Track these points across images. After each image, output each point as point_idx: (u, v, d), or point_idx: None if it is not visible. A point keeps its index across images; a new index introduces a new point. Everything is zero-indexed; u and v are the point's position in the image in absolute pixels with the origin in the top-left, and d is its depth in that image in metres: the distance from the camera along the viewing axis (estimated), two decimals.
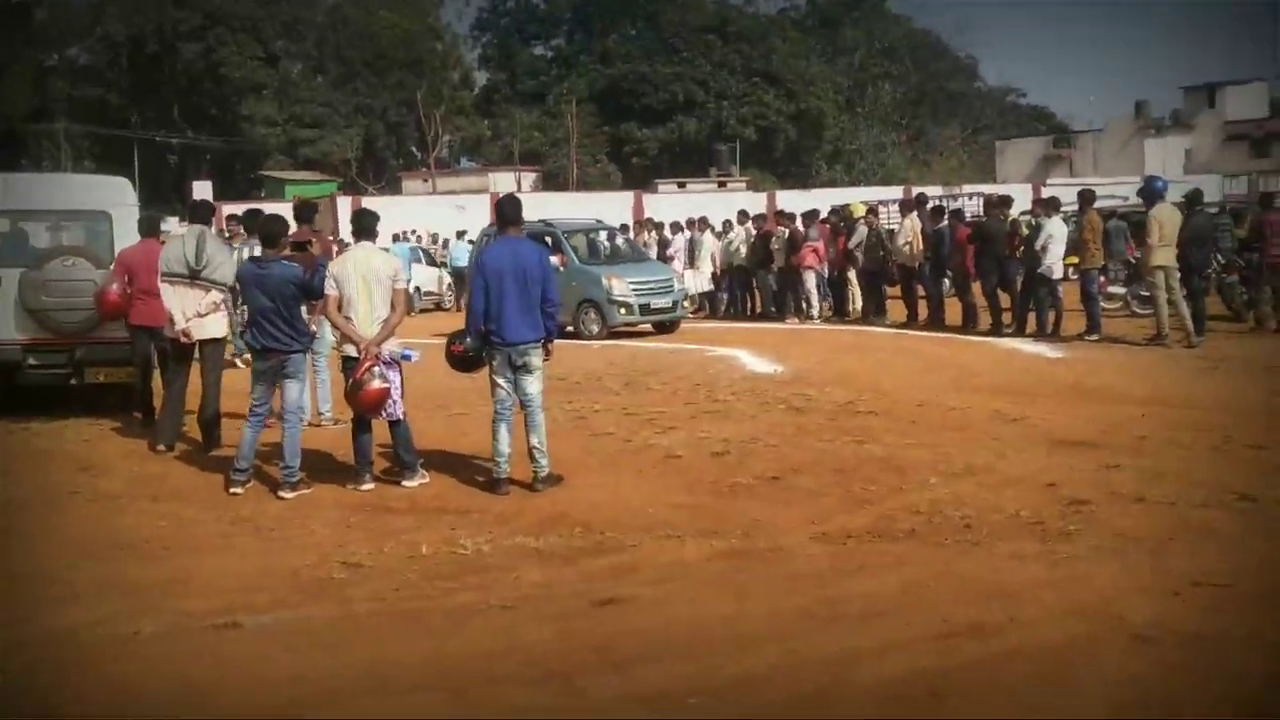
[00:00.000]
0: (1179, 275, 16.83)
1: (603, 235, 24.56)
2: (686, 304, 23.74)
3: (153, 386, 12.75)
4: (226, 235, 17.15)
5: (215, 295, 11.47)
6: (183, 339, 11.43)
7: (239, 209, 39.29)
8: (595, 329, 21.60)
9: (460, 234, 32.86)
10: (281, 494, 9.53)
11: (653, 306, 21.98)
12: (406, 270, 10.39)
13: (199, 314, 11.36)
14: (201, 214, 12.09)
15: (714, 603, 6.73)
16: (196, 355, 11.59)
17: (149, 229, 12.97)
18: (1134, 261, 20.14)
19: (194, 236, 11.51)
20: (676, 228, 27.29)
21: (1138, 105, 74.16)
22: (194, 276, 11.32)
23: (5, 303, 12.84)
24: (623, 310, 21.61)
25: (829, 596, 6.74)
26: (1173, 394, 12.97)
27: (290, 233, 10.93)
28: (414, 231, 38.14)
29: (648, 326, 22.31)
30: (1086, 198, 19.07)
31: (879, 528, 8.04)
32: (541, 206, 34.73)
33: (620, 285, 21.67)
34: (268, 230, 10.15)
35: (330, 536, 8.29)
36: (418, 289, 30.60)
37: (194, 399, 11.73)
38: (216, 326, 11.58)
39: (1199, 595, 6.48)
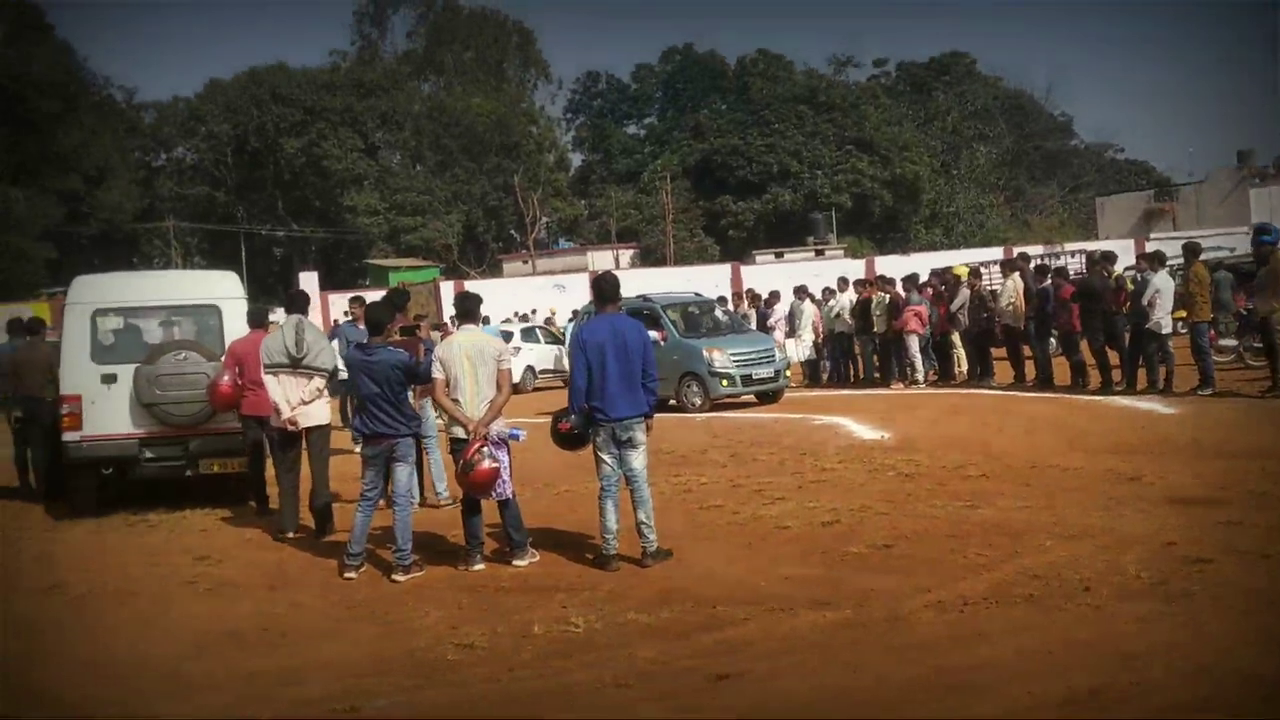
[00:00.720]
0: None
1: (702, 308, 24.60)
2: (788, 373, 23.65)
3: (265, 475, 12.97)
4: (350, 318, 17.45)
5: (318, 382, 11.71)
6: (289, 427, 11.65)
7: (344, 298, 40.20)
8: (698, 401, 21.59)
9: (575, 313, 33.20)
10: (395, 577, 9.61)
11: (755, 377, 21.93)
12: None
13: (303, 401, 11.61)
14: (299, 304, 12.30)
15: (829, 675, 6.65)
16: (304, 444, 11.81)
17: (257, 321, 13.27)
18: (1244, 313, 19.72)
19: (292, 326, 11.76)
20: (775, 297, 27.25)
21: (1240, 154, 72.94)
22: (296, 365, 11.57)
23: (121, 397, 13.18)
24: (725, 382, 21.59)
25: (946, 666, 6.63)
26: None
27: (394, 320, 11.17)
28: (533, 310, 38.68)
29: (751, 397, 22.24)
30: (1192, 250, 18.74)
31: (995, 594, 7.90)
32: (640, 282, 34.96)
33: (721, 357, 21.67)
34: (374, 317, 10.37)
35: (444, 619, 8.33)
36: (530, 367, 30.89)
37: (306, 484, 11.92)
38: (321, 413, 11.81)
39: None
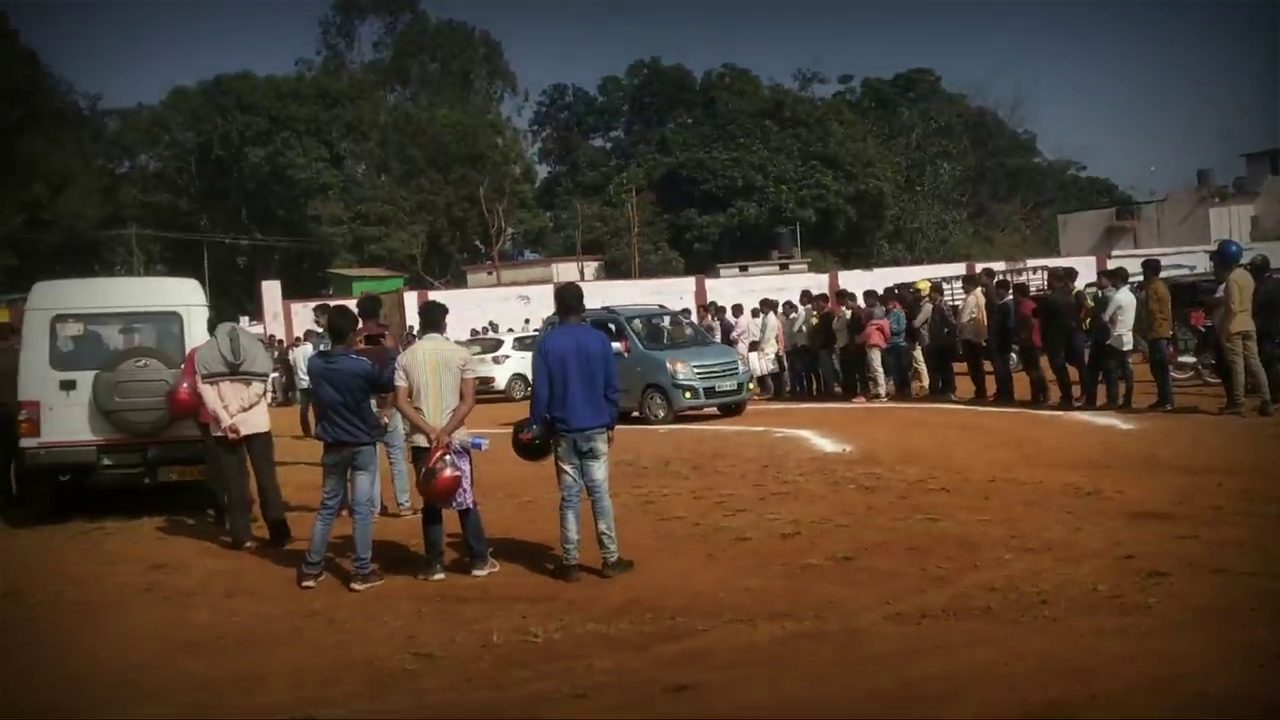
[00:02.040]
0: (1254, 341, 16.59)
1: (666, 320, 24.65)
2: (752, 386, 23.69)
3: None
4: (320, 329, 17.32)
5: (258, 387, 11.75)
6: (231, 435, 11.58)
7: (307, 306, 40.02)
8: (661, 413, 21.62)
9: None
10: (354, 586, 9.57)
11: (718, 389, 21.98)
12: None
13: (243, 408, 11.57)
14: (227, 315, 12.29)
15: (787, 686, 6.66)
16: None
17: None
18: (1203, 330, 19.91)
19: (226, 334, 11.76)
20: (739, 310, 27.31)
21: (1200, 174, 73.85)
22: (234, 371, 11.55)
23: (80, 404, 13.08)
24: (688, 394, 21.63)
25: (905, 678, 6.65)
26: (1248, 463, 12.75)
27: (357, 327, 11.14)
28: (491, 323, 38.60)
29: (714, 409, 22.28)
30: (1152, 268, 18.91)
31: (954, 606, 7.93)
32: (605, 294, 35.02)
33: (685, 369, 21.72)
34: (335, 325, 10.31)
35: (402, 628, 8.29)
36: (520, 375, 30.78)
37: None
38: (261, 420, 11.80)
39: None
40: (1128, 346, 18.27)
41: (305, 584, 9.75)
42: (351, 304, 12.99)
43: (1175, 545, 9.15)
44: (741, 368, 23.00)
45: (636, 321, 23.16)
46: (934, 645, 7.18)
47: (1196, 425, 16.16)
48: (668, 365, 21.75)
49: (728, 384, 22.16)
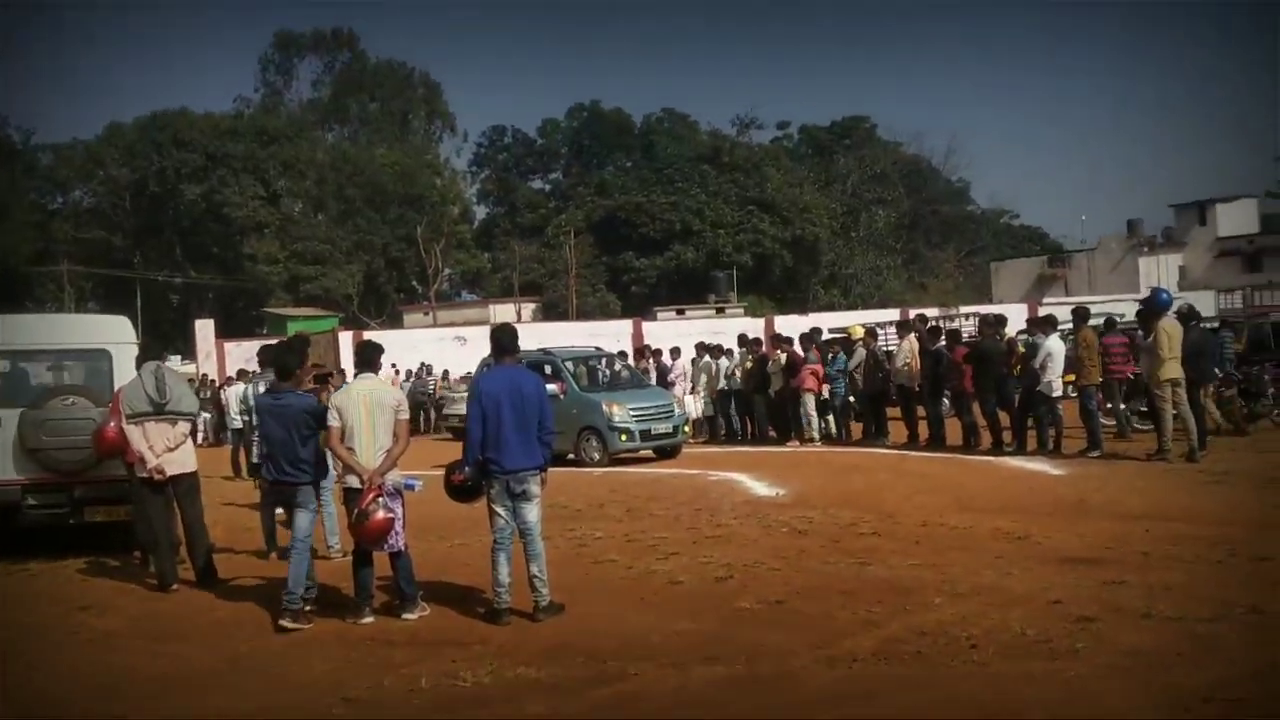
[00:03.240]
0: (1184, 388, 16.81)
1: (602, 362, 24.64)
2: (687, 429, 23.71)
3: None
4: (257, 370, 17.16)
5: (184, 427, 11.60)
6: (156, 476, 11.43)
7: (241, 345, 39.73)
8: (596, 455, 21.58)
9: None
10: (282, 622, 9.46)
11: (653, 432, 21.98)
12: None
13: (169, 448, 11.43)
14: (154, 353, 12.13)
15: None
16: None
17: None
18: (1131, 378, 20.16)
19: (151, 373, 11.62)
20: (676, 353, 27.36)
21: (1130, 224, 75.11)
22: (160, 411, 11.40)
23: (4, 443, 12.85)
24: (623, 436, 21.61)
25: None
26: (1176, 508, 12.90)
27: (305, 365, 11.17)
28: (424, 364, 38.40)
29: (649, 452, 22.26)
30: (1081, 315, 19.17)
31: (885, 650, 7.95)
32: (542, 336, 34.98)
33: (621, 411, 21.71)
34: (282, 362, 10.35)
35: (330, 672, 8.19)
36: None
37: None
38: (188, 459, 11.65)
39: (1210, 710, 6.40)
40: (1057, 393, 18.46)
41: (281, 622, 9.52)
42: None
43: (1104, 590, 9.23)
44: (677, 411, 23.03)
45: (572, 363, 23.13)
46: (865, 689, 7.19)
47: (1125, 471, 16.33)
48: (604, 407, 21.73)
49: (663, 427, 22.17)
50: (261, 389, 12.58)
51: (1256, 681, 6.87)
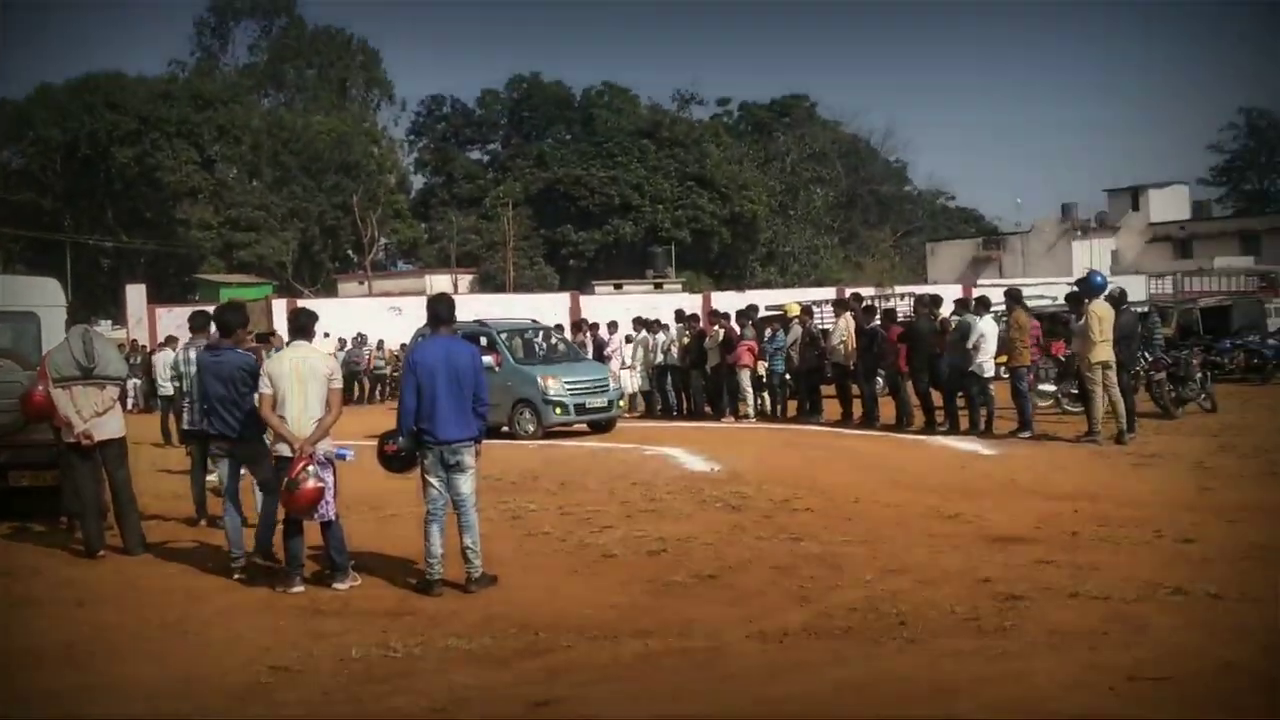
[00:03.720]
0: (1114, 371, 17.02)
1: (538, 335, 24.58)
2: (621, 403, 23.69)
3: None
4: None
5: (112, 391, 11.45)
6: (84, 442, 11.27)
7: (172, 311, 39.22)
8: (531, 428, 21.54)
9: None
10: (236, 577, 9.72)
11: (588, 406, 21.98)
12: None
13: (97, 413, 11.28)
14: (84, 318, 12.00)
15: (649, 703, 6.65)
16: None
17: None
18: (1063, 359, 20.39)
19: (79, 337, 11.45)
20: (614, 327, 27.36)
21: (1064, 207, 75.81)
22: (87, 376, 11.24)
23: None
24: (558, 410, 21.59)
25: (765, 695, 6.68)
26: (1104, 490, 13.07)
27: (246, 326, 11.20)
28: (360, 334, 37.99)
29: (584, 426, 22.25)
30: (1014, 296, 19.33)
31: (816, 625, 7.99)
32: (479, 307, 34.80)
33: (555, 385, 21.68)
34: (224, 319, 10.55)
35: (258, 640, 8.12)
36: None
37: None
38: (115, 425, 11.50)
39: (1134, 689, 6.48)
40: (989, 373, 18.62)
41: (236, 578, 9.84)
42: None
43: (1033, 569, 9.33)
44: (612, 385, 23.04)
45: (507, 335, 23.06)
46: (795, 664, 7.23)
47: (1055, 452, 16.52)
48: (539, 380, 21.68)
49: (598, 401, 22.18)
50: (193, 354, 12.45)
51: (1180, 660, 6.96)
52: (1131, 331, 18.18)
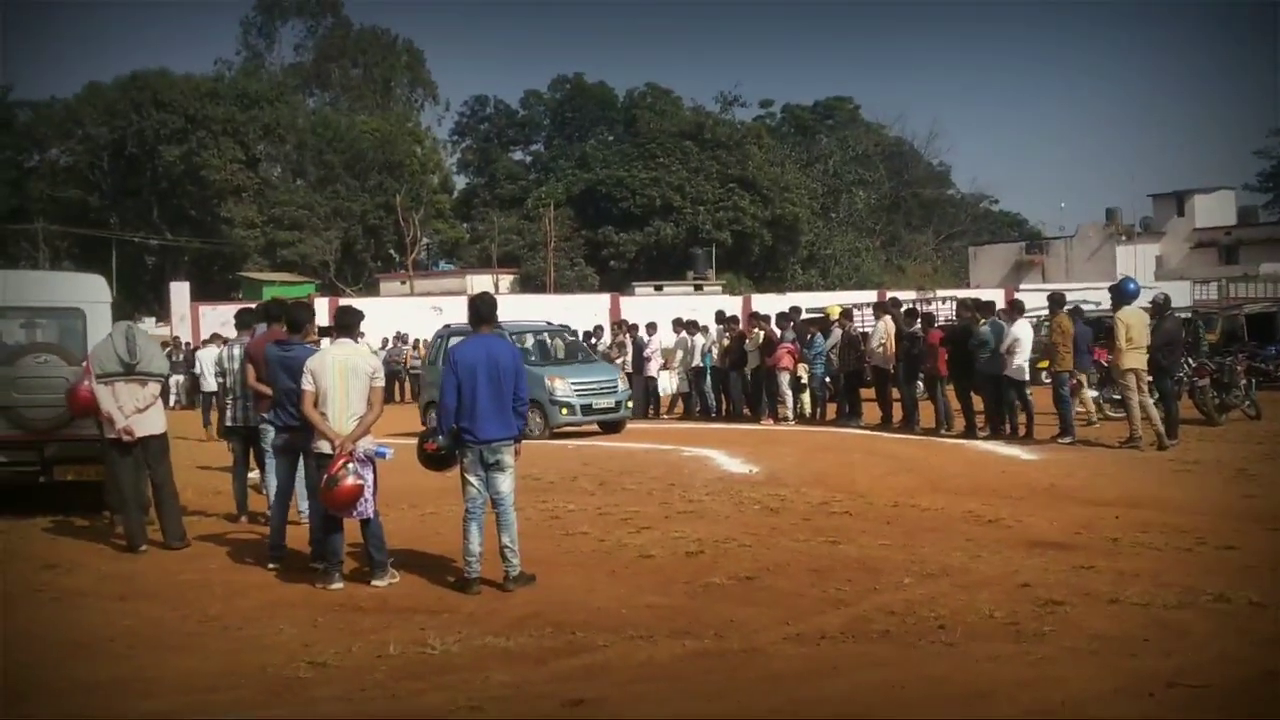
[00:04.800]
0: (1149, 378, 16.91)
1: (549, 336, 24.62)
2: (629, 404, 23.76)
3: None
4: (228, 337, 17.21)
5: (154, 387, 11.55)
6: (125, 437, 11.37)
7: (216, 309, 39.48)
8: (537, 431, 21.49)
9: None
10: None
11: (595, 406, 22.09)
12: None
13: (139, 409, 11.37)
14: (128, 314, 12.16)
15: (685, 704, 6.64)
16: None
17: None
18: (1105, 365, 20.25)
19: (122, 333, 11.54)
20: (653, 329, 27.36)
21: (1108, 212, 75.33)
22: (130, 372, 11.34)
23: None
24: (564, 410, 21.71)
25: (802, 698, 6.66)
26: (1145, 496, 12.98)
27: (263, 330, 11.36)
28: (399, 333, 38.18)
29: (593, 426, 22.41)
30: (1057, 301, 19.20)
31: (853, 628, 7.98)
32: (519, 307, 34.92)
33: (563, 385, 21.80)
34: (295, 316, 10.97)
35: (298, 636, 8.17)
36: None
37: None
38: (157, 421, 11.59)
39: (1174, 696, 6.43)
40: (1025, 377, 18.50)
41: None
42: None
43: (1072, 575, 9.28)
44: (621, 386, 23.16)
45: (523, 337, 23.20)
46: (832, 666, 7.21)
47: (1097, 458, 16.42)
48: (546, 381, 21.71)
49: (605, 401, 22.33)
50: (237, 351, 12.58)
51: (1221, 668, 6.92)
52: (1175, 338, 18.04)
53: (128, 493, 11.57)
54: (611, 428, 22.62)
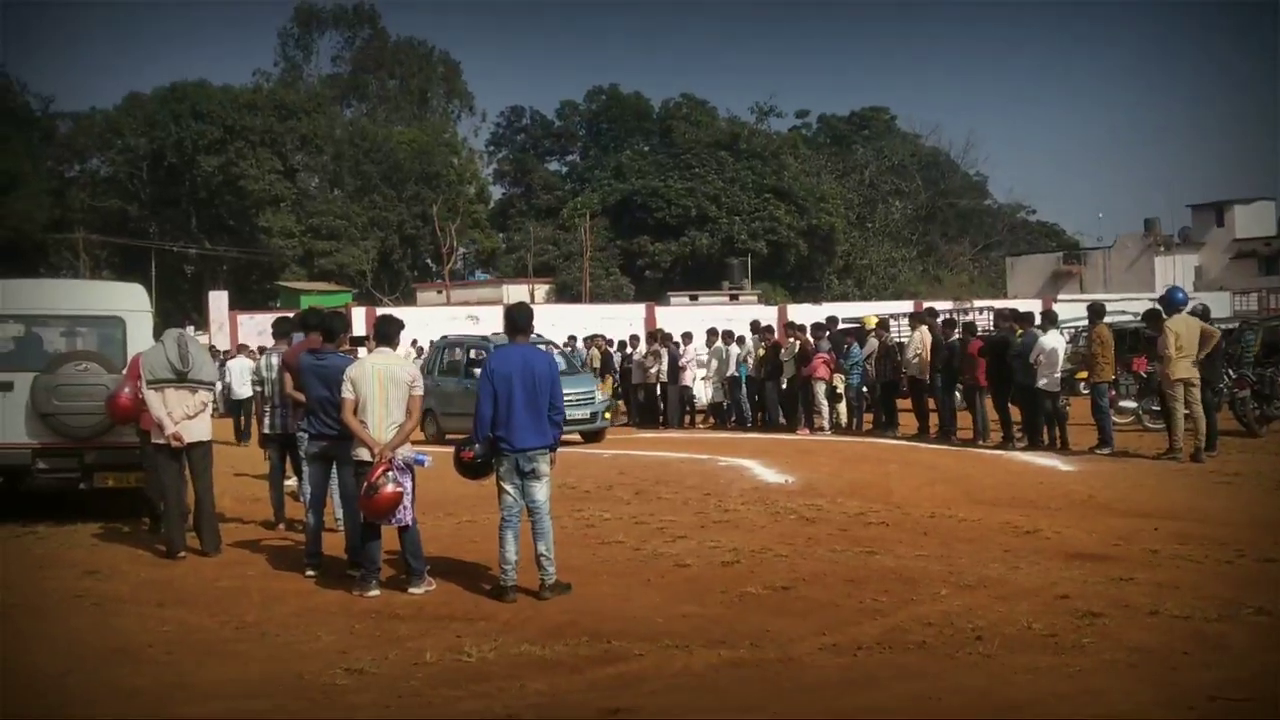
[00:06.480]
0: (1198, 388, 16.75)
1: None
2: (607, 415, 23.96)
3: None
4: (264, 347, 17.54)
5: (204, 395, 11.66)
6: (173, 443, 11.46)
7: (254, 318, 39.71)
8: None
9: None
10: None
11: (571, 418, 22.24)
12: None
13: (187, 416, 11.48)
14: (174, 322, 12.26)
15: (720, 713, 6.64)
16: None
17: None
18: (1145, 376, 20.10)
19: (174, 340, 11.65)
20: (688, 339, 27.36)
21: (1147, 223, 74.85)
22: (181, 379, 11.44)
23: (16, 406, 12.89)
24: None
25: (836, 708, 6.64)
26: (1185, 508, 12.87)
27: (300, 339, 11.42)
28: (415, 342, 38.18)
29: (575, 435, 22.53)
30: (1096, 311, 19.04)
31: (890, 639, 7.94)
32: (555, 318, 34.99)
33: None
34: (329, 325, 10.95)
35: (335, 643, 8.21)
36: None
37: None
38: (204, 428, 11.69)
39: (1215, 710, 6.38)
40: (1056, 389, 18.38)
41: (309, 574, 10.10)
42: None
43: (1111, 586, 9.21)
44: (599, 397, 23.89)
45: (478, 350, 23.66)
46: (868, 677, 7.18)
47: (1136, 469, 16.29)
48: None
49: (580, 412, 22.63)
50: (275, 360, 12.66)
51: (1262, 682, 6.85)
52: (1215, 349, 17.86)
53: (170, 499, 11.65)
54: (591, 437, 23.27)
